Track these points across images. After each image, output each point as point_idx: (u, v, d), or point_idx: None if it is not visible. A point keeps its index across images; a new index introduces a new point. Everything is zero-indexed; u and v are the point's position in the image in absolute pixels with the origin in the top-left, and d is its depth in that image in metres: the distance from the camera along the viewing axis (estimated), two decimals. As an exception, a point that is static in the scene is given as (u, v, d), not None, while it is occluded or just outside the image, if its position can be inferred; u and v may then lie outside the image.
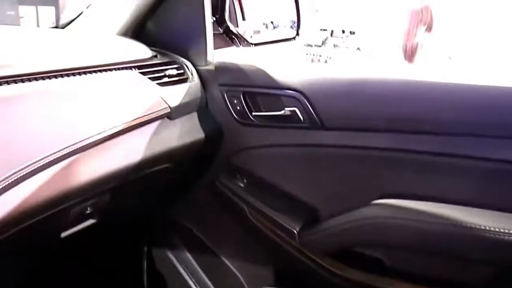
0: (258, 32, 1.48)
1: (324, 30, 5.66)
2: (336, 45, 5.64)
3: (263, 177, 1.07)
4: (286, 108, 0.97)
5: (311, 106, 0.94)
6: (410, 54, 2.69)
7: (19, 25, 1.98)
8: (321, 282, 1.03)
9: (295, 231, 1.01)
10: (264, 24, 1.46)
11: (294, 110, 0.96)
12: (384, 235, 0.93)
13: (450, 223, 0.83)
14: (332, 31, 5.71)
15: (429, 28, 2.67)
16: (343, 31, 5.71)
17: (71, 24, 1.17)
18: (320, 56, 5.62)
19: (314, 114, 0.94)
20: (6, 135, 0.65)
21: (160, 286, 1.33)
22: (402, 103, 0.89)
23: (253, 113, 1.03)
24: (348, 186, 0.98)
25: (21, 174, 0.65)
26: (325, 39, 5.70)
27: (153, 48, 1.05)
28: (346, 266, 1.00)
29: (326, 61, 6.04)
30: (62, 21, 1.21)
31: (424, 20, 2.66)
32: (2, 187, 0.62)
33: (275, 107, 1.00)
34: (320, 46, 5.55)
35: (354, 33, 5.75)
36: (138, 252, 1.32)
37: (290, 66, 1.05)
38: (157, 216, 1.30)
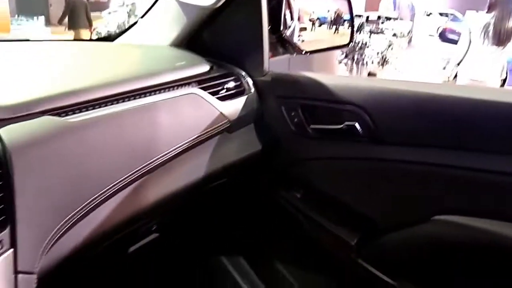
0: (305, 29, 1.46)
1: (359, 16, 5.52)
2: (372, 31, 5.52)
3: (320, 188, 1.06)
4: (346, 122, 0.96)
5: (372, 122, 0.93)
6: (504, 38, 3.00)
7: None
8: None
9: (352, 243, 1.01)
10: (310, 20, 1.43)
11: (354, 125, 0.95)
12: (443, 252, 0.92)
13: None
14: (367, 17, 5.58)
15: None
16: (379, 17, 5.57)
17: (122, 36, 1.16)
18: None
19: (375, 129, 0.93)
20: (79, 165, 0.66)
21: None
22: (466, 121, 0.86)
23: (311, 126, 1.02)
24: (406, 201, 0.96)
25: (96, 202, 0.67)
26: (361, 25, 5.58)
27: (209, 59, 1.04)
28: (403, 281, 0.99)
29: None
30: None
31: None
32: (81, 215, 0.65)
33: (334, 120, 0.98)
34: (356, 32, 5.45)
35: (389, 19, 5.60)
36: (194, 262, 1.32)
37: (349, 79, 1.02)
38: (215, 228, 1.31)
